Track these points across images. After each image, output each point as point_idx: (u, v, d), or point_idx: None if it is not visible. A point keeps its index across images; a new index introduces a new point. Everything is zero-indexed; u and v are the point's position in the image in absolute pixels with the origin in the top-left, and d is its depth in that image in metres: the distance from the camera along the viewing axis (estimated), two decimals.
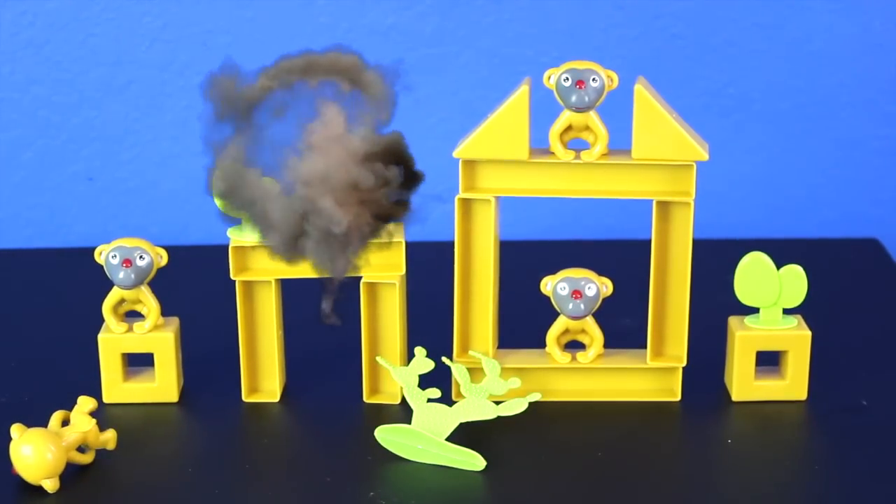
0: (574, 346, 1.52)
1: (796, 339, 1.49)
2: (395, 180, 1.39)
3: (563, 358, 1.50)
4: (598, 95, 1.42)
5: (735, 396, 1.50)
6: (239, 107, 1.41)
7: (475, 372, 1.47)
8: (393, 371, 1.44)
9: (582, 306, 1.46)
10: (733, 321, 1.52)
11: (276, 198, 1.38)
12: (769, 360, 1.52)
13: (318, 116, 1.38)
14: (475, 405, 1.41)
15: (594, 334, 1.49)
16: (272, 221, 1.39)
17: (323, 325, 1.43)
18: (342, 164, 1.37)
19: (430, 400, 1.42)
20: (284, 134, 1.40)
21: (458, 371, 1.44)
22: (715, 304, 1.59)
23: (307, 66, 1.40)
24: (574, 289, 1.46)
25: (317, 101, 1.39)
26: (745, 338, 1.50)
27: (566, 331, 1.50)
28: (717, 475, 1.40)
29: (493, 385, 1.43)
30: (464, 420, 1.41)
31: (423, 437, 1.40)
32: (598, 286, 1.46)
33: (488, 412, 1.42)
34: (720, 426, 1.47)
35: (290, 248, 1.40)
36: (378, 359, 1.48)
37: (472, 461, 1.38)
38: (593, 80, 1.42)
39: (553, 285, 1.47)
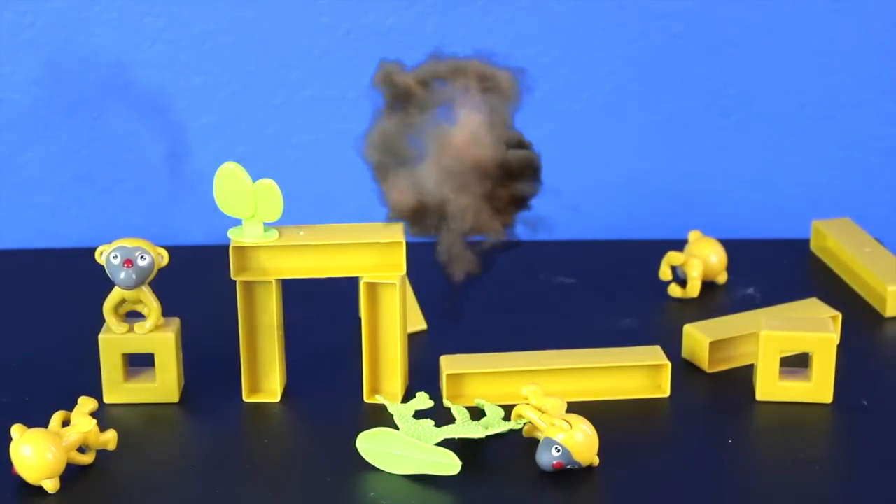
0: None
1: (821, 342, 1.49)
2: (521, 191, 1.41)
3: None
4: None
5: (759, 396, 1.50)
6: (399, 93, 1.43)
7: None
8: (390, 406, 1.43)
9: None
10: (761, 320, 1.51)
11: (429, 165, 1.41)
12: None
13: (456, 119, 1.41)
14: (465, 427, 1.41)
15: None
16: (417, 183, 1.42)
17: (329, 323, 1.43)
18: (475, 166, 1.40)
19: (416, 414, 1.42)
20: (427, 132, 1.43)
21: (458, 411, 1.44)
22: (713, 303, 1.59)
23: (453, 69, 1.43)
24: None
25: (455, 104, 1.42)
26: (769, 338, 1.49)
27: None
28: (718, 475, 1.40)
29: (495, 425, 1.42)
30: (451, 437, 1.40)
31: (403, 441, 1.38)
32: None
33: (478, 432, 1.41)
34: (718, 425, 1.47)
35: (416, 218, 1.43)
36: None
37: (449, 462, 1.37)
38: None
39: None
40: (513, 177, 1.44)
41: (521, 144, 1.44)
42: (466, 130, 1.41)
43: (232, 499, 1.36)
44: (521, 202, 1.46)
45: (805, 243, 1.82)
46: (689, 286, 1.68)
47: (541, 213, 1.47)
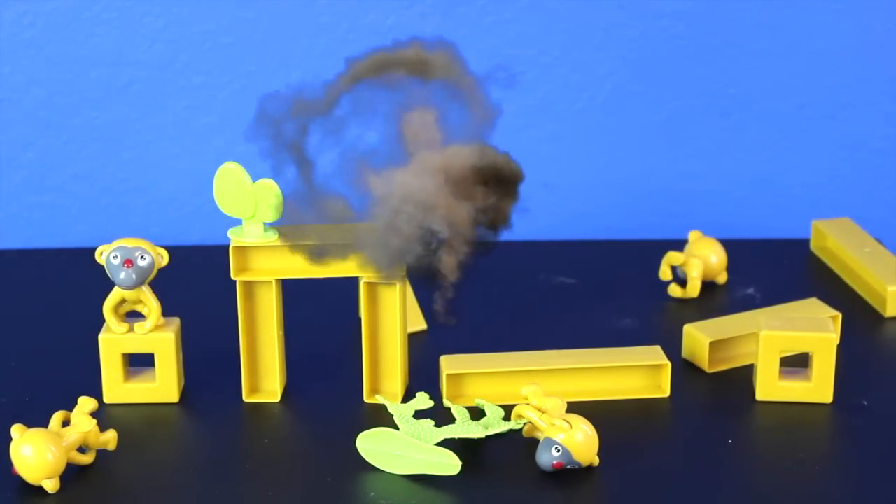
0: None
1: (821, 342, 1.48)
2: (491, 206, 1.37)
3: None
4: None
5: (759, 396, 1.50)
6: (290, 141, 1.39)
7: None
8: (390, 406, 1.43)
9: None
10: (761, 320, 1.51)
11: (368, 228, 1.37)
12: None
13: (415, 129, 1.35)
14: (465, 427, 1.41)
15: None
16: (372, 248, 1.38)
17: (329, 323, 1.42)
18: (439, 189, 1.35)
19: (416, 414, 1.41)
20: (367, 139, 1.38)
21: (458, 411, 1.44)
22: (713, 303, 1.59)
23: (379, 65, 1.37)
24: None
25: (413, 109, 1.36)
26: (769, 338, 1.49)
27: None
28: (718, 475, 1.40)
29: (495, 425, 1.42)
30: (452, 437, 1.40)
31: (403, 441, 1.38)
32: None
33: (478, 432, 1.41)
34: (718, 425, 1.47)
35: (396, 264, 1.40)
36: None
37: (449, 462, 1.37)
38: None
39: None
40: (488, 184, 1.39)
41: (501, 162, 1.38)
42: (422, 130, 1.36)
43: (232, 499, 1.36)
44: (500, 210, 1.41)
45: (805, 243, 1.82)
46: (689, 286, 1.68)
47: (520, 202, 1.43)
